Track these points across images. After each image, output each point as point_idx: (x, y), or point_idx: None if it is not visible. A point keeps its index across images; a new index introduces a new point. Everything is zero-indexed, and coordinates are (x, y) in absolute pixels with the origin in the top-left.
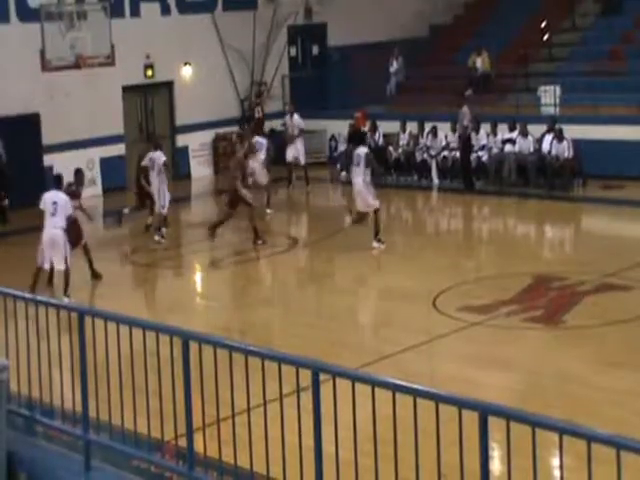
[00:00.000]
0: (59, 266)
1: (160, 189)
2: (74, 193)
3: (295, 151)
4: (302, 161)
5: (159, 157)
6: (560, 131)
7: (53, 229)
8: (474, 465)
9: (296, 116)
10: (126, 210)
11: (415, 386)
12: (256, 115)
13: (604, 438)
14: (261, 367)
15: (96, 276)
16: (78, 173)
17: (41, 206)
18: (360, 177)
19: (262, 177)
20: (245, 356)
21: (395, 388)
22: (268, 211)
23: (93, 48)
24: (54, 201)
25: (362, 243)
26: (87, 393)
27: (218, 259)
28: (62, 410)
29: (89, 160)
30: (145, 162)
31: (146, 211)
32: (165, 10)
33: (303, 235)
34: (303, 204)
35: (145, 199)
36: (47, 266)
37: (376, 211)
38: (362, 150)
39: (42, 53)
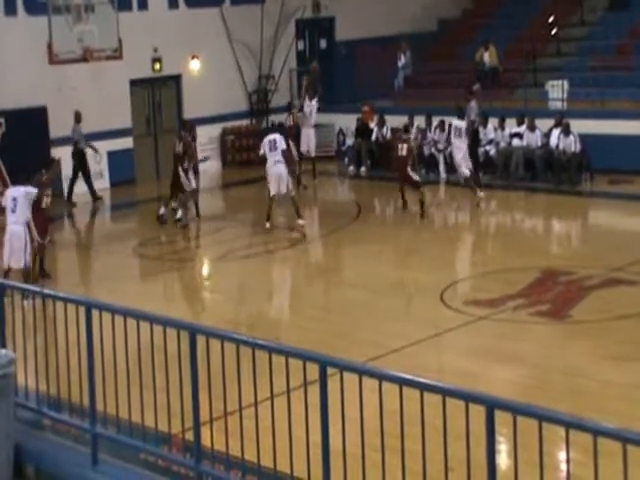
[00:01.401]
0: (17, 264)
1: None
2: (43, 182)
3: (308, 140)
4: (312, 153)
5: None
6: (567, 126)
7: (13, 225)
8: (481, 458)
9: (314, 102)
10: (162, 210)
11: (422, 380)
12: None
13: (610, 432)
14: (269, 361)
15: (44, 275)
16: (52, 162)
17: (2, 203)
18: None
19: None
20: (252, 350)
21: (402, 382)
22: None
23: (100, 41)
24: (13, 197)
25: (370, 237)
26: (95, 386)
27: (226, 252)
28: (69, 403)
29: (97, 153)
30: (178, 148)
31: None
32: (173, 3)
33: (311, 229)
34: (311, 198)
35: (177, 189)
36: (5, 266)
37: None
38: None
39: (49, 46)
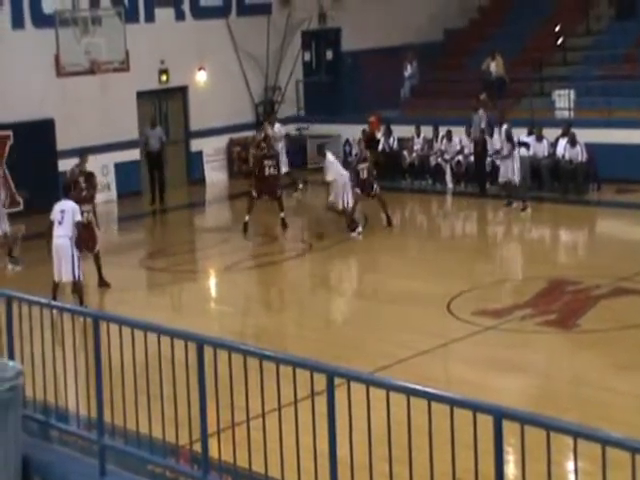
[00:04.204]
0: (67, 276)
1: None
2: (85, 198)
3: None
4: (283, 169)
5: (279, 129)
6: (573, 136)
7: (59, 239)
8: (489, 469)
9: (277, 125)
10: (247, 218)
11: (429, 390)
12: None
13: (619, 441)
14: (276, 372)
15: (104, 284)
16: (90, 177)
17: (51, 217)
18: None
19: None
20: (260, 361)
21: (409, 392)
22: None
23: (107, 53)
24: (62, 209)
25: (376, 248)
26: (102, 398)
27: (232, 264)
28: (77, 415)
29: (103, 165)
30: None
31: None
32: (180, 15)
33: (316, 240)
34: (317, 208)
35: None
36: (57, 278)
37: None
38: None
39: (57, 59)
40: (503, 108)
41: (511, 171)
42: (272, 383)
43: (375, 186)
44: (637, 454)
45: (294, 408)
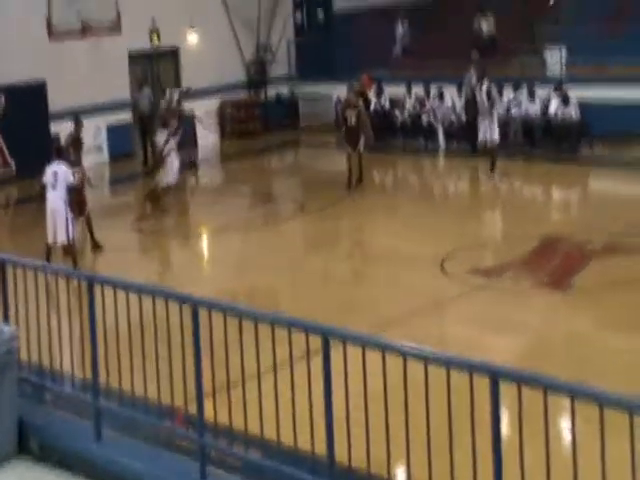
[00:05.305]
0: (62, 238)
1: None
2: (73, 162)
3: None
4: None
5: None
6: (566, 94)
7: (53, 202)
8: (486, 428)
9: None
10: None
11: (426, 351)
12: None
13: (616, 400)
14: (271, 332)
15: (97, 246)
16: (76, 142)
17: (43, 179)
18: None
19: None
20: (255, 322)
21: (406, 353)
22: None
23: (99, 14)
24: (54, 171)
25: (369, 208)
26: (97, 360)
27: (225, 224)
28: (72, 377)
29: (96, 127)
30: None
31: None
32: None
33: (309, 200)
34: (310, 169)
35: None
36: (51, 240)
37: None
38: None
39: (48, 20)
40: (484, 65)
41: (490, 131)
42: (268, 344)
43: (361, 141)
44: (635, 413)
45: (290, 369)
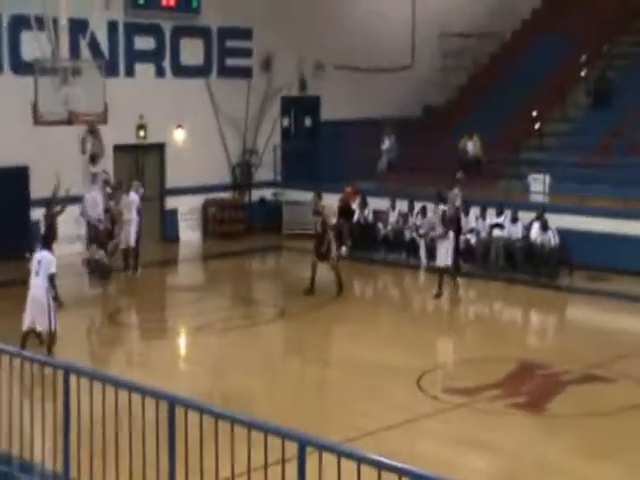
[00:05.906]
0: (41, 327)
1: None
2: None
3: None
4: (132, 243)
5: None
6: (545, 221)
7: (35, 289)
8: None
9: (132, 193)
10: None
11: (400, 465)
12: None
13: None
14: (247, 436)
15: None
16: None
17: (30, 266)
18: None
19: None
20: (231, 424)
21: (380, 466)
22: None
23: (86, 105)
24: (38, 260)
25: (349, 317)
26: (69, 452)
27: (204, 324)
28: (42, 468)
29: (77, 216)
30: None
31: None
32: (160, 72)
33: (290, 306)
34: (291, 275)
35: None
36: (27, 327)
37: None
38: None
39: (34, 107)
40: (458, 178)
41: (444, 254)
42: (243, 447)
43: (332, 253)
44: None
45: (264, 474)
